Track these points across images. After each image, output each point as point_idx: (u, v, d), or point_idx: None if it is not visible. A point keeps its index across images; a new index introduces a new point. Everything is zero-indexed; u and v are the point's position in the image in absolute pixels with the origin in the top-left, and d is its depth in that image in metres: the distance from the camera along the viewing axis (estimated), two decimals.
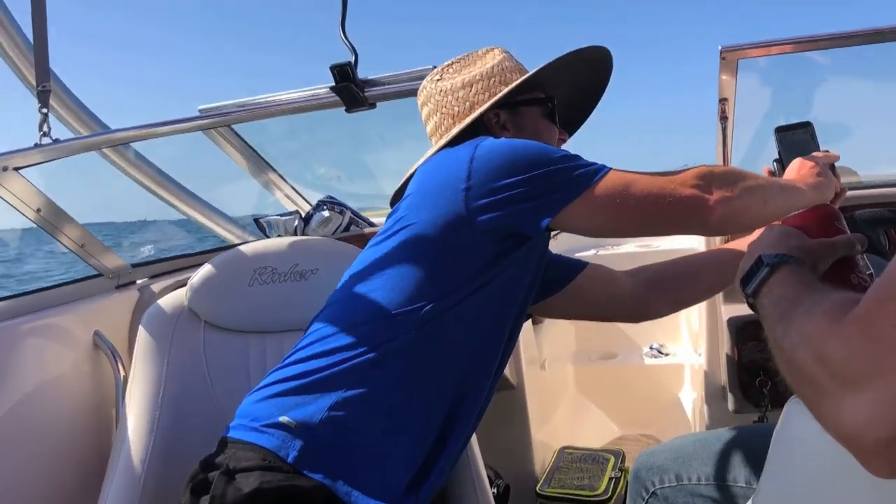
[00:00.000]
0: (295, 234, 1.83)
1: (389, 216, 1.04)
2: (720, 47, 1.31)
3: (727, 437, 1.08)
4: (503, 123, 1.11)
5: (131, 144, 1.66)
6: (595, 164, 0.94)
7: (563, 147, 1.15)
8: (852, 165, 1.68)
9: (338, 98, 1.29)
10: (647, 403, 2.47)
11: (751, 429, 1.12)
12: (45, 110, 1.35)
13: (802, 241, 0.74)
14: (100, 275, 1.62)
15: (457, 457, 1.03)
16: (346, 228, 1.92)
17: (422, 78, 1.17)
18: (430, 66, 1.19)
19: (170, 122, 1.40)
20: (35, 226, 1.46)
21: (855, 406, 0.45)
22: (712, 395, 1.64)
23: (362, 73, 1.27)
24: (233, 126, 1.87)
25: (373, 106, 1.33)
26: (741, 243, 1.21)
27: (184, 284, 1.44)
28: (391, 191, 1.17)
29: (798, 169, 1.01)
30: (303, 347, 0.99)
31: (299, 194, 2.28)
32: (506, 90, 1.08)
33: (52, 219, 1.46)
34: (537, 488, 1.85)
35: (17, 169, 1.32)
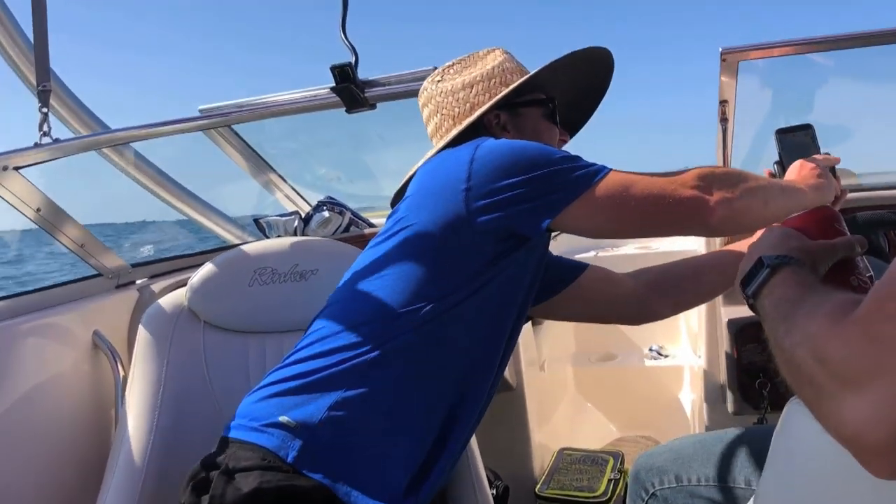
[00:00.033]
0: (295, 234, 1.83)
1: (389, 217, 1.04)
2: (721, 49, 1.31)
3: (727, 438, 1.08)
4: (503, 124, 1.11)
5: (131, 144, 1.66)
6: (595, 164, 0.94)
7: (564, 148, 1.15)
8: (852, 168, 1.68)
9: (338, 98, 1.29)
10: (647, 405, 2.46)
11: (751, 430, 1.12)
12: (45, 110, 1.35)
13: (802, 243, 0.74)
14: (99, 275, 1.62)
15: (457, 457, 1.03)
16: (346, 229, 1.92)
17: (422, 79, 1.17)
18: (431, 67, 1.18)
19: (170, 122, 1.41)
20: (35, 226, 1.46)
21: (855, 407, 0.45)
22: (712, 397, 1.64)
23: (363, 73, 1.27)
24: (233, 126, 1.87)
25: (373, 107, 1.33)
26: (742, 245, 1.21)
27: (184, 284, 1.44)
28: (391, 192, 1.16)
29: (799, 171, 1.01)
30: (303, 347, 0.99)
31: (299, 195, 2.28)
32: (505, 91, 1.08)
33: (51, 218, 1.46)
34: (536, 489, 1.85)
35: (17, 168, 1.32)
